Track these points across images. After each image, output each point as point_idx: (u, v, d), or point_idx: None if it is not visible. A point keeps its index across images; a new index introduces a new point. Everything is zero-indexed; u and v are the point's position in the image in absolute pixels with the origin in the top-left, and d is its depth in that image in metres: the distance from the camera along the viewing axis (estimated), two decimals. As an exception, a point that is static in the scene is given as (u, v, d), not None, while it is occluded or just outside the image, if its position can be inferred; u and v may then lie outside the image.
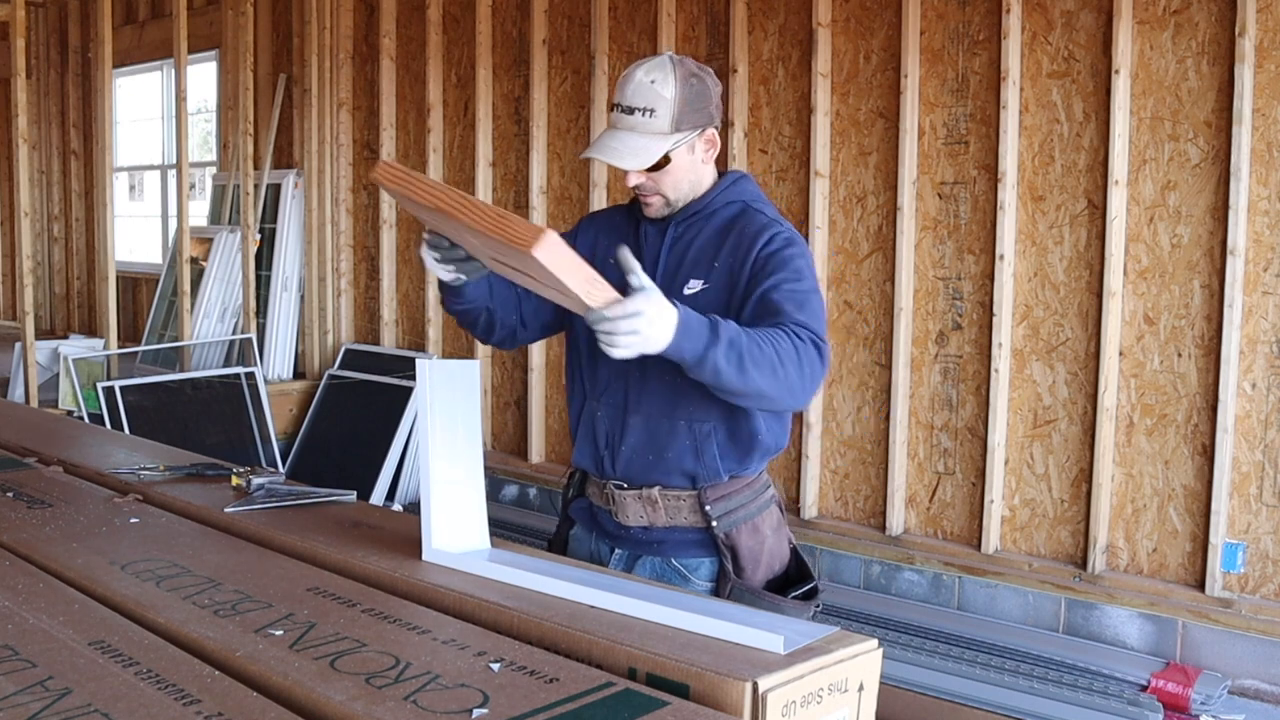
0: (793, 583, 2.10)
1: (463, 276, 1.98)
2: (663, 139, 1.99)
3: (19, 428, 2.75)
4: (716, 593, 2.04)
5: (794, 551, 2.15)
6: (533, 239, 1.55)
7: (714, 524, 2.04)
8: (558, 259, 1.59)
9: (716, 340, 1.76)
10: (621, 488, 2.08)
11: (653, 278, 1.97)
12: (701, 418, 2.02)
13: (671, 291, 1.99)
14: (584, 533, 2.21)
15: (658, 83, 1.97)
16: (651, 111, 1.97)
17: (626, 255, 1.74)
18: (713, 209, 2.08)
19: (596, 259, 2.05)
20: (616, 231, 2.17)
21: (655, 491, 2.07)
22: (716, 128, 2.08)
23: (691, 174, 2.06)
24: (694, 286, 2.04)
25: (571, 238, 2.17)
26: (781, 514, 2.17)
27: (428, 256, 1.95)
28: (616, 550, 2.12)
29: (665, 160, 2.01)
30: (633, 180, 2.04)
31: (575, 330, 2.18)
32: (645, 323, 1.69)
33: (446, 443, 1.81)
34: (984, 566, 4.28)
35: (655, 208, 2.09)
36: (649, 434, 2.06)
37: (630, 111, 1.98)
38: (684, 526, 2.07)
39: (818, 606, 2.05)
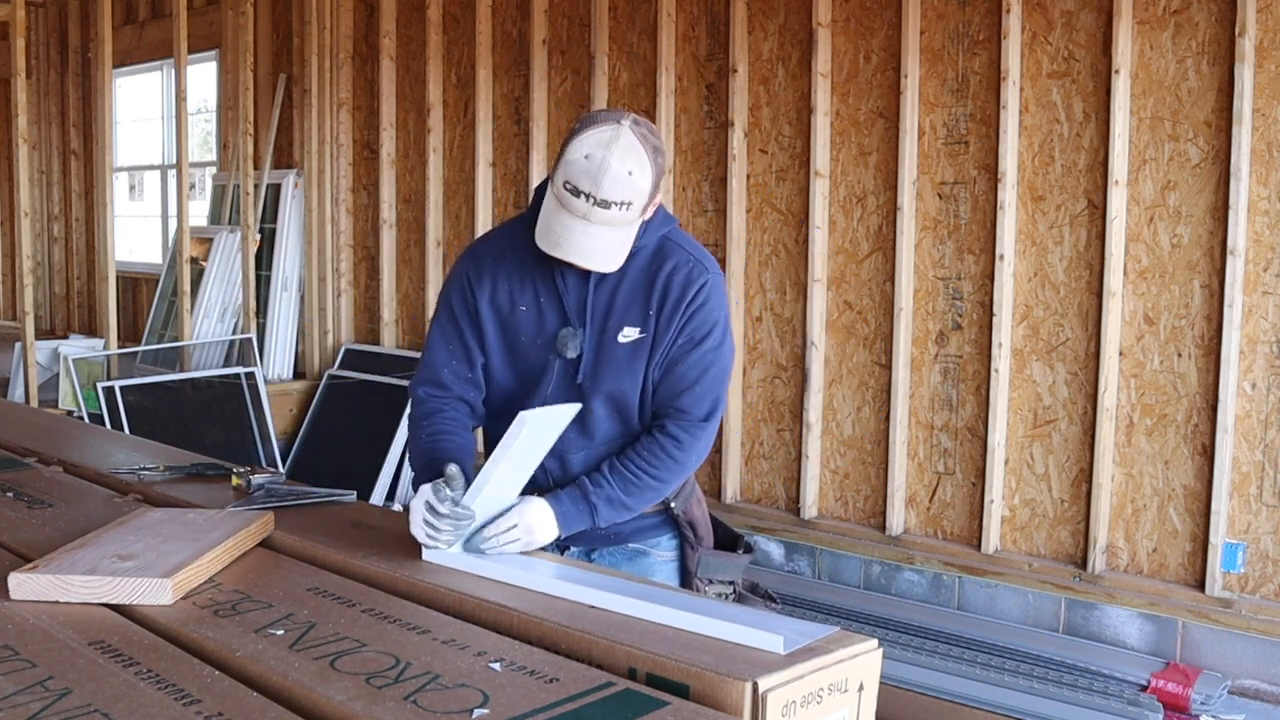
0: (726, 543, 2.23)
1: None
2: (632, 228, 1.90)
3: (19, 428, 2.75)
4: (682, 562, 2.17)
5: (712, 517, 2.28)
6: None
7: (673, 505, 2.13)
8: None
9: (596, 511, 1.97)
10: None
11: (581, 324, 2.00)
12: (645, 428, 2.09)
13: (605, 339, 2.00)
14: None
15: (636, 174, 1.83)
16: (629, 205, 1.84)
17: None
18: (636, 247, 1.98)
19: (504, 309, 2.04)
20: (525, 276, 2.03)
21: None
22: None
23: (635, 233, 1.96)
24: (630, 335, 2.00)
25: (468, 290, 2.06)
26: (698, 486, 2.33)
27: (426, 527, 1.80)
28: (571, 549, 2.13)
29: None
30: None
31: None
32: (523, 531, 1.87)
33: (507, 476, 1.85)
34: (984, 566, 4.28)
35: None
36: (598, 462, 2.06)
37: (607, 206, 1.82)
38: (641, 514, 2.12)
39: (752, 555, 2.23)
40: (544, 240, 1.89)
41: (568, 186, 1.84)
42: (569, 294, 2.01)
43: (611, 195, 1.82)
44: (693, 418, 2.02)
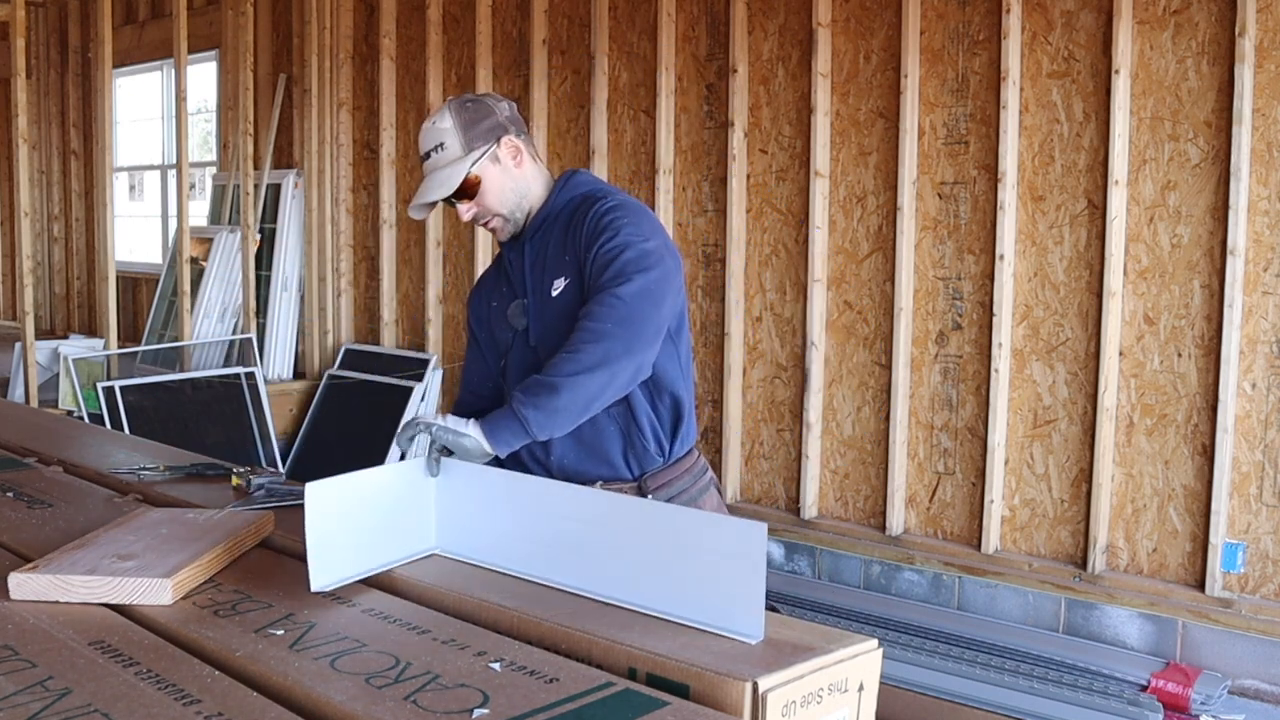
0: None
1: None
2: (461, 162, 2.13)
3: (19, 428, 2.75)
4: None
5: None
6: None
7: None
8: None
9: (514, 398, 1.91)
10: None
11: (525, 295, 2.17)
12: (619, 400, 2.08)
13: (543, 300, 2.14)
14: None
15: (437, 121, 2.15)
16: (441, 145, 2.14)
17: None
18: (556, 211, 2.20)
19: (484, 315, 2.31)
20: (497, 285, 2.29)
21: (596, 487, 2.09)
22: (518, 135, 2.20)
23: (509, 182, 2.18)
24: (558, 286, 2.13)
25: (470, 317, 2.37)
26: (721, 497, 2.28)
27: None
28: None
29: (475, 180, 2.13)
30: (465, 215, 2.18)
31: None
32: (445, 432, 1.84)
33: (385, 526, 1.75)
34: (984, 566, 4.28)
35: (500, 228, 2.21)
36: (575, 435, 2.08)
37: (428, 156, 2.16)
38: None
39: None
40: (412, 202, 2.19)
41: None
42: (515, 272, 2.21)
43: (426, 145, 2.16)
44: (605, 290, 2.00)
